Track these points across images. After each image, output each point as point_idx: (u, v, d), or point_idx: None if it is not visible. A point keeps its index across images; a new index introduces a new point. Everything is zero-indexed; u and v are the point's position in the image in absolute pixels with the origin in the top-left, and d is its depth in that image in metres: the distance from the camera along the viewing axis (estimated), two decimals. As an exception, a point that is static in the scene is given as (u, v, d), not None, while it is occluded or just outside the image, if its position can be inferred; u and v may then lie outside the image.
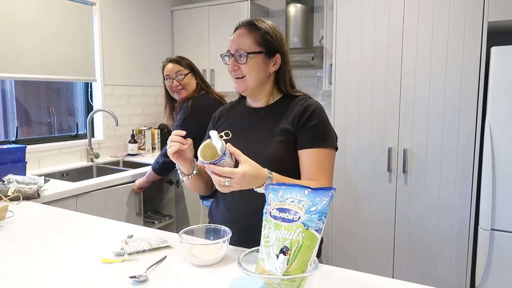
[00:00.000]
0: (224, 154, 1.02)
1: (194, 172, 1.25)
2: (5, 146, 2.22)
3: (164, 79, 2.22)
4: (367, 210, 2.75)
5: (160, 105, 3.74)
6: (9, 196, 1.75)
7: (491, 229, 2.23)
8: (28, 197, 1.82)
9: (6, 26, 2.50)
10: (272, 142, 1.24)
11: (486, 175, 2.23)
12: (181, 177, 1.27)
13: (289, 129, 1.24)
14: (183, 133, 1.18)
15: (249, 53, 1.24)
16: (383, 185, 2.68)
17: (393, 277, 2.69)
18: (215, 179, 1.03)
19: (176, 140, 1.16)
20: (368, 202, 2.74)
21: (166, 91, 2.25)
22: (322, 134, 1.23)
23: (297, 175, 1.24)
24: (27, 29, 2.62)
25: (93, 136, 3.20)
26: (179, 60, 2.19)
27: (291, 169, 1.23)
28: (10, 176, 1.92)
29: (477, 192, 2.40)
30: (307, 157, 1.23)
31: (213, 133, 1.06)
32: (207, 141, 1.07)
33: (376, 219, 2.72)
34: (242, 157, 1.06)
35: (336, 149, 1.27)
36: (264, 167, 1.09)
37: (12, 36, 2.54)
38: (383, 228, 2.71)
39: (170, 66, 2.16)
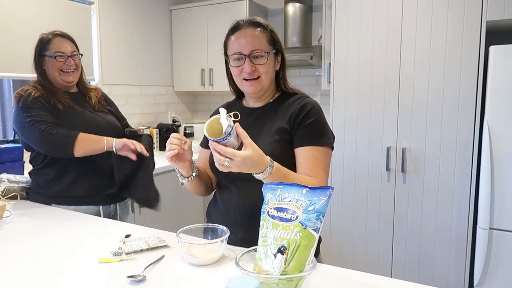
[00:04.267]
0: (230, 134, 1.00)
1: (194, 174, 1.25)
2: (3, 146, 2.21)
3: (40, 53, 1.75)
4: (366, 209, 2.75)
5: (159, 104, 3.74)
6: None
7: (490, 228, 2.23)
8: (16, 196, 1.79)
9: (3, 25, 2.50)
10: (269, 142, 1.24)
11: (484, 174, 2.23)
12: (180, 179, 1.27)
13: (285, 128, 1.24)
14: (183, 138, 1.18)
15: (269, 52, 1.24)
16: (382, 184, 2.68)
17: (391, 277, 2.69)
18: (216, 156, 1.01)
19: (175, 143, 1.15)
20: (367, 201, 2.74)
21: (41, 70, 1.75)
22: (318, 133, 1.23)
23: None
24: (25, 28, 2.61)
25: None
26: (73, 39, 1.81)
27: (288, 168, 1.22)
28: (3, 175, 1.90)
29: (475, 191, 2.40)
30: (303, 154, 1.22)
31: (222, 111, 1.03)
32: (216, 116, 1.04)
33: (375, 218, 2.72)
34: (247, 140, 1.03)
35: (332, 148, 1.27)
36: None
37: (10, 35, 2.53)
38: (382, 227, 2.71)
39: (63, 42, 1.75)
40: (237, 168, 1.02)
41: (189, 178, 1.25)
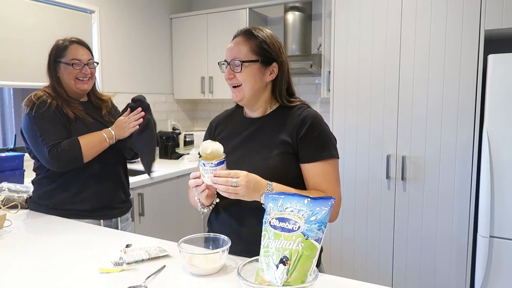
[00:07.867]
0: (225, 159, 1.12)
1: (215, 202, 1.29)
2: (3, 154, 2.22)
3: (56, 59, 1.71)
4: (366, 217, 2.74)
5: (159, 112, 3.75)
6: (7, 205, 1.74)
7: (490, 236, 2.23)
8: (16, 206, 1.78)
9: (5, 34, 2.51)
10: (271, 155, 1.23)
11: (484, 181, 2.23)
12: (201, 208, 1.29)
13: (287, 141, 1.23)
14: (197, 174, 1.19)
15: (243, 61, 1.23)
16: (382, 192, 2.68)
17: (392, 286, 2.68)
18: (222, 181, 1.07)
19: (196, 184, 1.17)
20: (367, 209, 2.74)
21: (56, 77, 1.72)
22: (324, 146, 1.23)
23: (296, 187, 1.22)
24: (26, 37, 2.62)
25: (91, 143, 3.19)
26: (89, 46, 1.80)
27: (290, 181, 1.21)
28: (4, 184, 1.89)
29: (475, 199, 2.40)
30: (313, 171, 1.22)
31: (208, 141, 1.15)
32: (206, 151, 1.12)
33: (375, 226, 2.72)
34: (232, 170, 1.11)
35: (339, 157, 1.27)
36: None
37: (11, 44, 2.54)
38: (382, 235, 2.70)
39: (80, 49, 1.73)
40: (245, 183, 1.07)
41: (211, 207, 1.30)
